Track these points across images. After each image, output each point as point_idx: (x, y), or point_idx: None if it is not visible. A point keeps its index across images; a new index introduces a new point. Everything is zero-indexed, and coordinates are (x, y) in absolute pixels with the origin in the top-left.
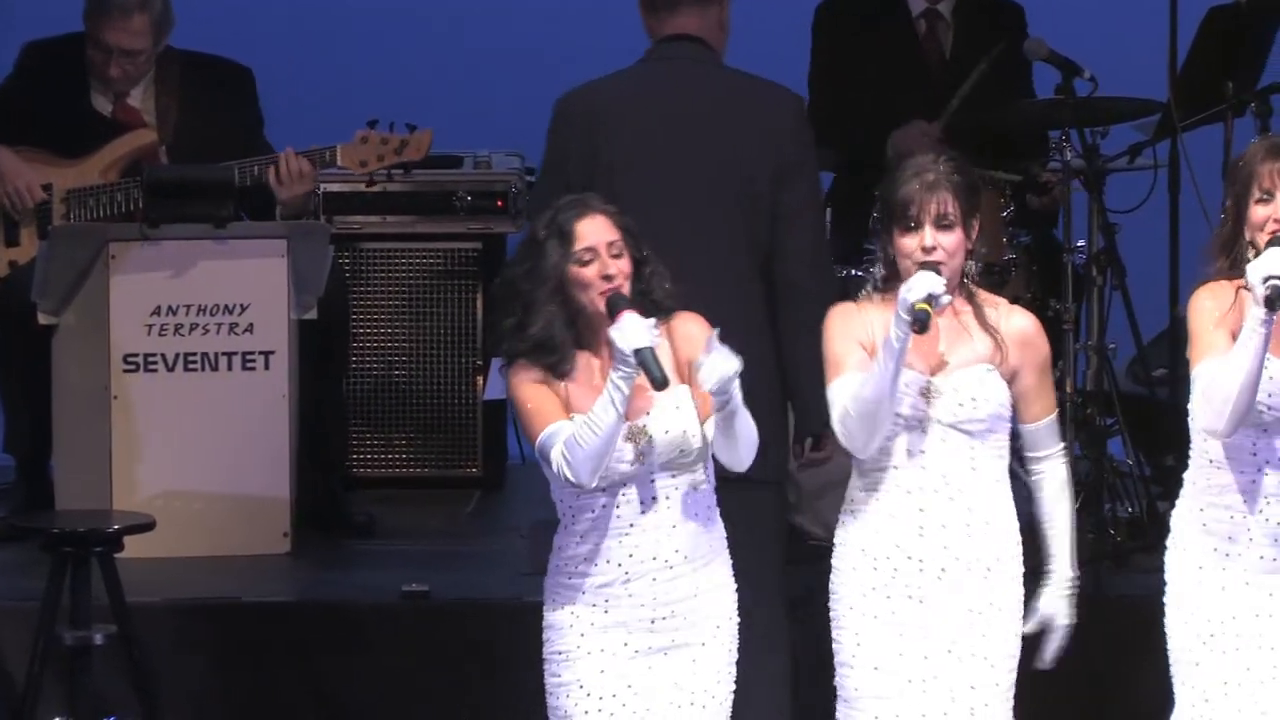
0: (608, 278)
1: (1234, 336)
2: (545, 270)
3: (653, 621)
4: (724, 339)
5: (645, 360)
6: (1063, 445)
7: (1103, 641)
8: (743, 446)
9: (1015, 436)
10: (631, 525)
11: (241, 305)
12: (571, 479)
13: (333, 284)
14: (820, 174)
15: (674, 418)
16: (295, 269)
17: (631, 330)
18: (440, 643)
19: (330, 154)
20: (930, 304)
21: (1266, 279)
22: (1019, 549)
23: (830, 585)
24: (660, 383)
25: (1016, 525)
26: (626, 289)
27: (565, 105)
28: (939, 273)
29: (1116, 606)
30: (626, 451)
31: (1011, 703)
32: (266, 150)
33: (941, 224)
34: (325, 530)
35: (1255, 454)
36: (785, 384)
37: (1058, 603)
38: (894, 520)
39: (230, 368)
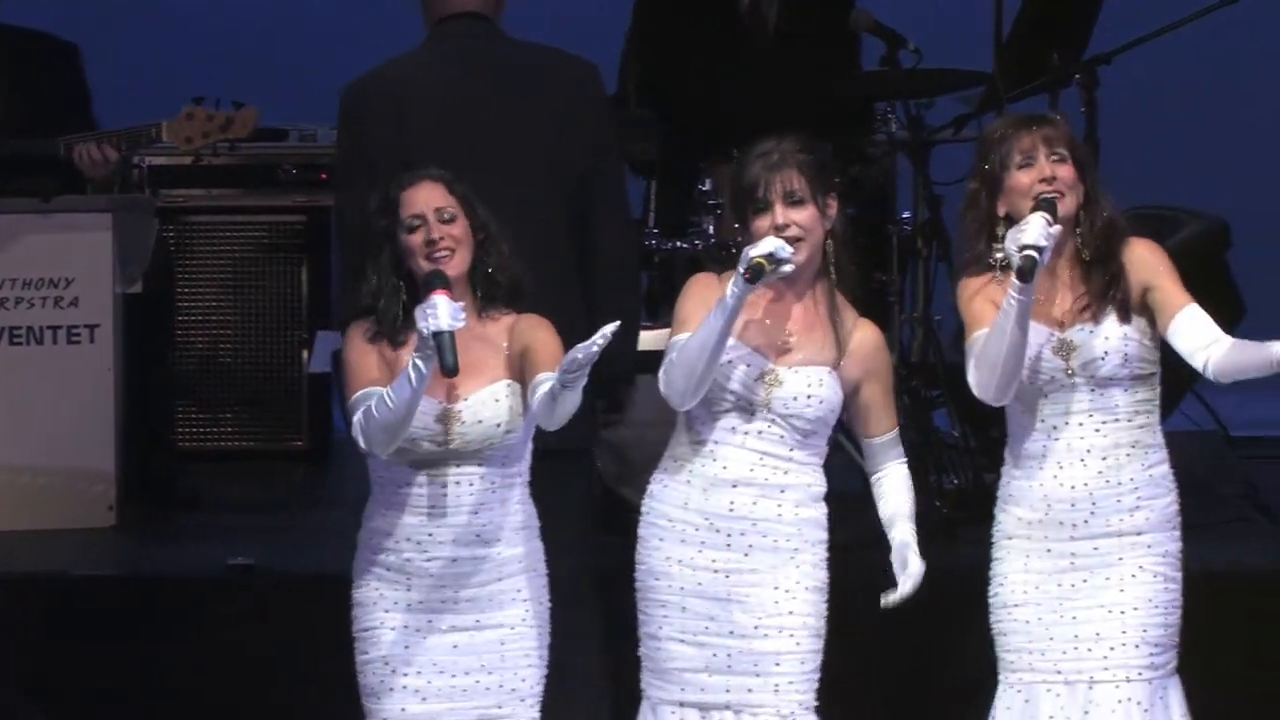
0: (431, 243)
1: (997, 308)
2: (377, 240)
3: (457, 602)
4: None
5: (441, 344)
6: (904, 459)
7: (928, 614)
8: (559, 418)
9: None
10: (433, 506)
11: (66, 279)
12: (364, 447)
13: (157, 257)
14: (646, 143)
15: (491, 409)
16: (120, 243)
17: (434, 312)
18: (266, 616)
19: (156, 130)
20: (769, 260)
21: (1023, 248)
22: (825, 534)
23: (637, 555)
24: (449, 370)
25: (825, 513)
26: (460, 255)
27: (358, 92)
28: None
29: (942, 578)
30: (435, 433)
31: (816, 680)
32: (92, 126)
33: (791, 201)
34: (151, 503)
35: (1044, 419)
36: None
37: (907, 548)
38: (705, 494)
39: (55, 341)
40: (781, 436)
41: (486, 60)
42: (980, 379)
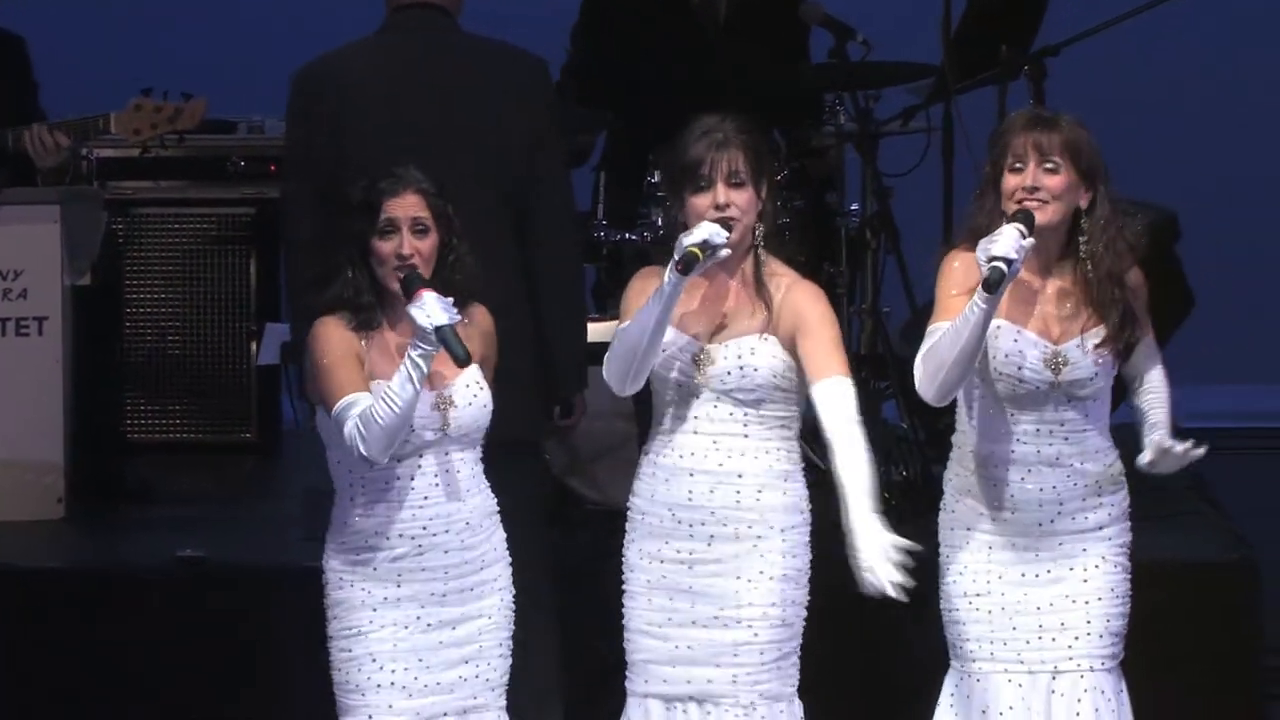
0: (401, 256)
1: None
2: (349, 237)
3: (444, 595)
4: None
5: (446, 337)
6: (847, 402)
7: (878, 604)
8: None
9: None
10: (425, 497)
11: (15, 271)
12: (364, 454)
13: (106, 249)
14: (595, 136)
15: (475, 393)
16: (68, 235)
17: (432, 308)
18: (216, 608)
19: (104, 122)
20: (703, 250)
21: (991, 259)
22: (799, 518)
23: (623, 550)
24: (463, 359)
25: (799, 495)
26: (425, 270)
27: (306, 78)
28: (728, 228)
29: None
30: (434, 419)
31: (789, 668)
32: (39, 117)
33: (733, 181)
34: (100, 496)
35: (1012, 427)
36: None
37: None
38: (668, 485)
39: (4, 333)
40: (731, 413)
41: (435, 51)
42: (925, 374)
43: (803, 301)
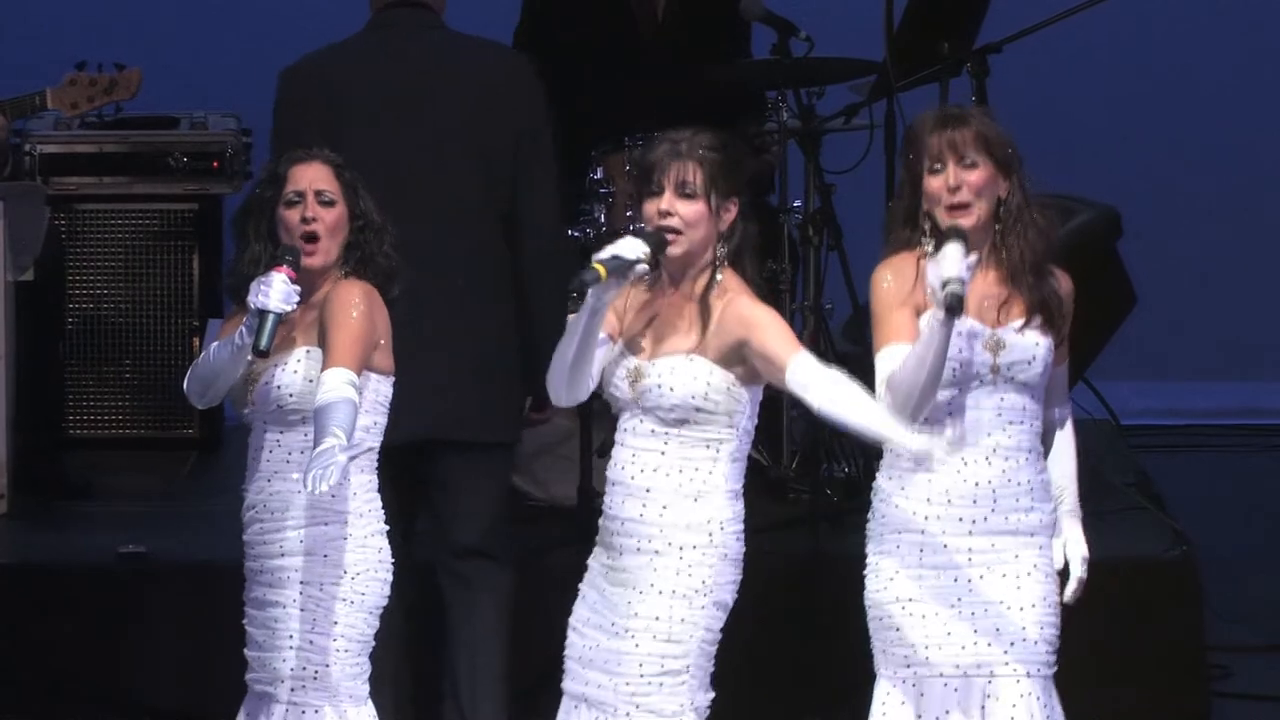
0: (305, 220)
1: (917, 313)
2: (260, 209)
3: (260, 572)
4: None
5: (262, 323)
6: (831, 369)
7: (819, 601)
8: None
9: None
10: (245, 466)
11: None
12: (185, 390)
13: (49, 245)
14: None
15: (282, 374)
16: (11, 231)
17: (268, 289)
18: (157, 604)
19: (40, 98)
20: (608, 266)
21: (946, 283)
22: (705, 539)
23: None
24: (259, 351)
25: (713, 516)
26: (329, 242)
27: (293, 78)
28: (662, 242)
29: (833, 566)
30: (248, 393)
31: (673, 683)
32: None
33: (683, 192)
34: (42, 491)
35: (951, 413)
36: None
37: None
38: (607, 494)
39: None
40: (652, 430)
41: (419, 50)
42: (896, 404)
43: (742, 306)
